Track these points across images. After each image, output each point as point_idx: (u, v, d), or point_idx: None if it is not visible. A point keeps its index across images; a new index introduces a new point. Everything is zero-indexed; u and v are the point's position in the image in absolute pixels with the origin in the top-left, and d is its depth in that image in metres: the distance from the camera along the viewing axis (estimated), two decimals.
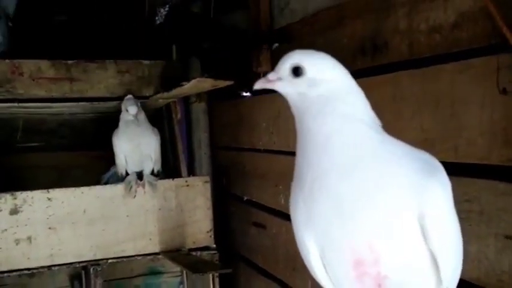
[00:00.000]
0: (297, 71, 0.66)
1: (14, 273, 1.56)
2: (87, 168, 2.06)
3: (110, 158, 1.89)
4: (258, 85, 0.69)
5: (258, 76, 1.77)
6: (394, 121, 1.08)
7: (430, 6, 0.97)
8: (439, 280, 0.64)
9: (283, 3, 1.67)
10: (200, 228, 1.73)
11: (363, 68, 1.19)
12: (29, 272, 1.57)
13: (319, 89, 0.65)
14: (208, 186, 1.75)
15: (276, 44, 1.69)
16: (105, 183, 1.81)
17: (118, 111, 1.70)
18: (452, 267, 0.65)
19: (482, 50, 0.86)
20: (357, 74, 1.22)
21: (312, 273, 0.70)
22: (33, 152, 2.03)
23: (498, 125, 0.83)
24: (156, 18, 1.52)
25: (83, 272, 1.83)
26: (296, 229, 0.68)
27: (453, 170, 0.91)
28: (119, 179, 1.76)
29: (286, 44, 1.65)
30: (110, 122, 1.90)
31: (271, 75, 0.68)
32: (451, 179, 0.87)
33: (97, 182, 1.85)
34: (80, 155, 2.09)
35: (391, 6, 1.07)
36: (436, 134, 0.96)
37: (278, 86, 0.67)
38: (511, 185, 0.82)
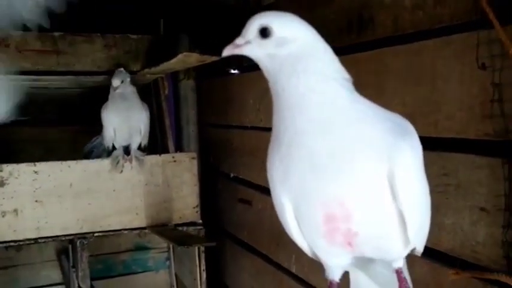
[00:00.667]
0: (264, 32, 0.66)
1: (0, 245, 1.57)
2: (74, 142, 2.06)
3: (96, 133, 1.90)
4: (226, 52, 0.68)
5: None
6: (377, 96, 1.10)
7: None
8: (407, 239, 0.66)
9: None
10: (186, 203, 1.74)
11: (349, 44, 1.20)
12: (16, 244, 1.58)
13: (289, 47, 0.65)
14: (195, 162, 1.76)
15: None
16: (88, 153, 1.81)
17: (105, 86, 1.69)
18: (419, 225, 0.67)
19: (463, 26, 0.88)
20: (344, 51, 1.23)
21: (287, 231, 0.72)
22: (20, 126, 2.02)
23: (476, 100, 0.85)
24: None
25: (70, 246, 1.85)
26: (273, 188, 0.69)
27: (433, 144, 0.93)
28: (104, 150, 1.77)
29: None
30: (96, 96, 1.90)
31: (238, 40, 0.67)
32: (431, 154, 0.89)
33: (83, 154, 1.86)
34: (66, 130, 2.09)
35: None
36: (417, 109, 0.98)
37: (247, 50, 0.67)
38: (487, 158, 0.84)
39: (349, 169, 0.62)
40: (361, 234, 0.65)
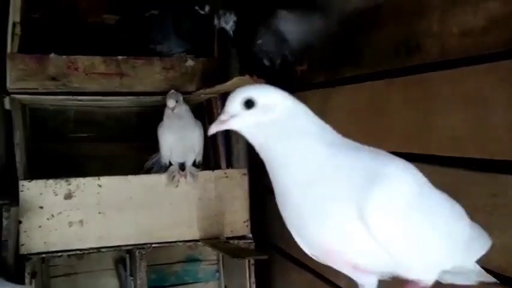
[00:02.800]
0: (249, 103, 0.72)
1: (66, 253, 1.69)
2: (131, 158, 2.18)
3: (152, 149, 2.01)
4: (212, 130, 0.75)
5: (296, 74, 1.85)
6: (425, 120, 1.14)
7: (461, 10, 1.03)
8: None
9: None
10: (237, 218, 1.82)
11: (397, 68, 1.25)
12: (81, 252, 1.70)
13: (272, 112, 0.72)
14: (245, 178, 1.84)
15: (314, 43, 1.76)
16: (149, 169, 1.92)
17: (161, 105, 1.80)
18: (411, 258, 0.73)
19: (510, 52, 0.92)
20: (392, 74, 1.29)
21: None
22: (83, 142, 2.17)
23: None
24: (217, 21, 1.59)
25: (128, 255, 1.96)
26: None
27: (481, 166, 0.97)
28: (162, 167, 1.87)
29: (323, 43, 1.71)
30: (153, 115, 2.02)
31: (223, 116, 0.74)
32: (479, 175, 0.93)
33: (141, 170, 1.98)
34: (125, 146, 2.21)
35: (425, 9, 1.13)
36: (464, 132, 1.02)
37: (234, 124, 0.73)
38: None
39: (327, 222, 0.70)
40: (361, 263, 0.73)
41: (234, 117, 0.73)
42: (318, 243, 0.73)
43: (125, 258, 2.04)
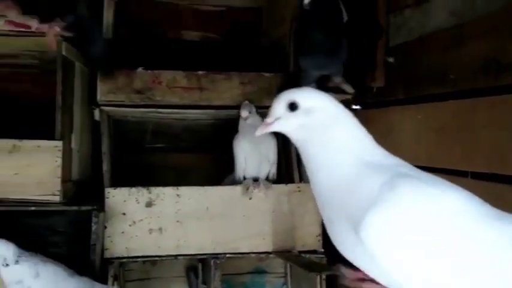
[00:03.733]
0: (292, 106, 0.76)
1: (145, 259, 1.77)
2: (205, 169, 2.25)
3: (225, 161, 2.07)
4: (259, 132, 0.80)
5: (371, 90, 1.85)
6: None
7: None
8: None
9: (401, 22, 1.73)
10: (310, 232, 1.83)
11: (485, 87, 1.23)
12: (159, 259, 1.77)
13: (315, 116, 0.75)
14: None
15: (392, 60, 1.76)
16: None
17: (237, 118, 1.86)
18: (416, 280, 0.68)
19: None
20: (478, 93, 1.26)
21: None
22: (160, 152, 2.26)
23: None
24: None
25: (200, 264, 2.02)
26: None
27: None
28: (238, 182, 1.92)
29: (402, 60, 1.71)
30: (228, 128, 2.08)
31: (268, 119, 0.78)
32: None
33: (214, 180, 2.03)
34: (199, 157, 2.28)
35: None
36: None
37: (278, 126, 0.78)
38: None
39: (341, 234, 0.73)
40: (379, 280, 0.73)
41: (279, 120, 0.77)
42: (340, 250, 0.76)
43: (196, 266, 2.09)
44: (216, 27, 2.28)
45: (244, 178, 1.86)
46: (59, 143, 1.57)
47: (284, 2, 2.01)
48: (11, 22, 1.55)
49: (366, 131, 0.79)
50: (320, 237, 1.82)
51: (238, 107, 1.83)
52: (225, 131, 2.15)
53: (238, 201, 1.80)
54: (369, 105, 1.87)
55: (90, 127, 1.90)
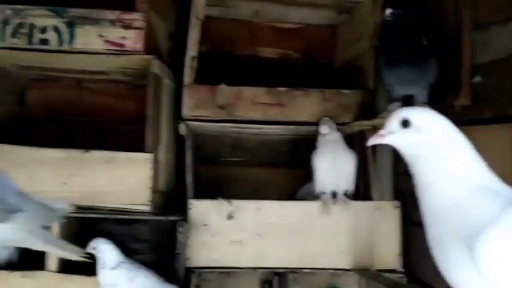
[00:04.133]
0: (405, 123, 0.80)
1: (225, 270, 1.81)
2: (281, 184, 2.28)
3: (300, 176, 2.09)
4: (371, 142, 0.86)
5: (452, 108, 1.82)
6: None
7: None
8: None
9: (487, 40, 1.69)
10: (389, 250, 1.81)
11: None
12: (239, 271, 1.81)
13: (427, 134, 0.79)
14: (398, 211, 1.83)
15: (478, 79, 1.72)
16: (301, 198, 2.00)
17: (315, 134, 1.88)
18: None
19: None
20: None
21: None
22: (235, 166, 2.31)
23: None
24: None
25: (276, 277, 2.03)
26: None
27: None
28: (314, 196, 1.93)
29: (489, 79, 1.67)
30: (304, 143, 2.10)
31: (382, 131, 0.84)
32: None
33: (289, 195, 2.06)
34: (274, 172, 2.32)
35: None
36: None
37: (390, 139, 0.83)
38: None
39: (450, 253, 0.75)
40: None
41: (391, 134, 0.82)
42: (442, 271, 0.77)
43: (270, 279, 2.11)
44: (293, 44, 2.32)
45: (323, 193, 1.87)
46: (150, 156, 1.65)
47: (363, 17, 2.02)
48: (108, 42, 1.65)
49: (478, 153, 0.80)
50: (400, 257, 1.80)
51: (317, 123, 1.86)
52: (301, 146, 2.18)
53: (316, 217, 1.82)
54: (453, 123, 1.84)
55: (174, 141, 1.98)
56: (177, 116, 1.90)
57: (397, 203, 1.85)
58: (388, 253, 1.81)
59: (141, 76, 1.97)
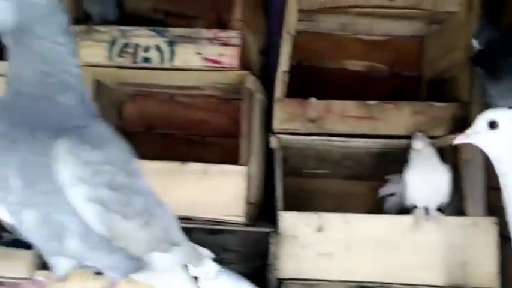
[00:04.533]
0: (493, 125, 0.85)
1: (315, 282, 1.81)
2: (365, 197, 2.27)
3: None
4: (458, 140, 0.94)
5: None
6: None
7: None
8: None
9: None
10: (485, 268, 1.75)
11: None
12: (327, 283, 1.81)
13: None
14: (496, 227, 1.76)
15: None
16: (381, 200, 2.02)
17: (404, 148, 1.85)
18: None
19: None
20: None
21: None
22: (319, 178, 2.33)
23: None
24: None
25: None
26: None
27: None
28: (401, 208, 1.91)
29: None
30: (390, 156, 2.08)
31: (468, 131, 0.89)
32: None
33: (374, 209, 2.05)
34: (359, 185, 2.31)
35: None
36: None
37: (476, 139, 0.87)
38: None
39: None
40: None
41: (477, 134, 0.87)
42: None
43: None
44: (379, 56, 2.31)
45: (415, 207, 1.85)
46: (244, 169, 1.71)
47: (456, 27, 1.97)
48: (206, 59, 1.73)
49: None
50: (498, 275, 1.73)
51: (408, 137, 1.84)
52: (387, 159, 2.16)
53: (407, 231, 1.79)
54: None
55: (264, 153, 2.03)
56: (266, 130, 1.95)
57: (495, 219, 1.78)
58: (484, 271, 1.75)
59: (231, 90, 2.05)
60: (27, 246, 1.90)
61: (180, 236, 1.13)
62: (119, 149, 0.97)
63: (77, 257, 0.95)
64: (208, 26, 1.93)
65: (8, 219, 0.94)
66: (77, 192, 0.85)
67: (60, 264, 0.96)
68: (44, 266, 1.77)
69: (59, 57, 0.88)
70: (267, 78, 2.08)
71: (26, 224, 0.89)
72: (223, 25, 2.18)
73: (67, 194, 0.85)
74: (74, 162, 0.84)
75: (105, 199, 0.88)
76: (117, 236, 0.92)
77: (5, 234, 2.13)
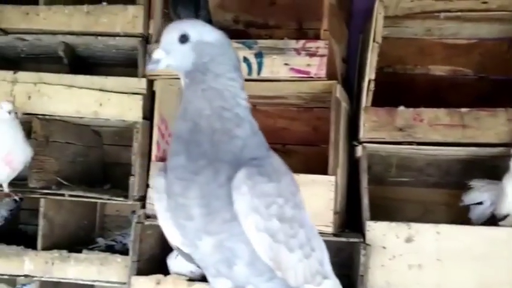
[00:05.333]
0: None
1: None
2: (449, 205, 2.20)
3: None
4: None
5: None
6: None
7: None
8: None
9: None
10: None
11: None
12: None
13: None
14: None
15: None
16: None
17: (499, 157, 1.78)
18: None
19: None
20: None
21: None
22: (402, 186, 2.28)
23: None
24: None
25: None
26: None
27: None
28: (490, 218, 1.84)
29: None
30: (478, 164, 2.00)
31: None
32: None
33: (460, 218, 1.97)
34: (443, 193, 2.24)
35: None
36: None
37: None
38: None
39: None
40: None
41: None
42: None
43: None
44: (464, 60, 2.23)
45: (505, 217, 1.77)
46: (332, 178, 1.70)
47: None
48: (293, 69, 1.75)
49: None
50: None
51: (503, 145, 1.76)
52: (473, 166, 2.08)
53: (504, 242, 1.71)
54: None
55: (348, 163, 2.02)
56: (349, 139, 1.93)
57: None
58: None
59: (313, 99, 2.05)
60: (121, 252, 2.00)
61: (330, 270, 1.12)
62: (289, 181, 1.00)
63: (240, 280, 0.99)
64: (289, 36, 1.94)
65: (177, 241, 1.03)
66: (251, 221, 0.90)
67: (220, 285, 1.01)
68: (139, 271, 1.86)
69: (233, 92, 0.94)
70: (347, 87, 2.07)
71: (203, 249, 0.95)
72: (304, 34, 2.20)
73: (241, 223, 0.90)
74: (252, 193, 0.89)
75: (275, 230, 0.92)
76: (280, 266, 0.96)
77: (100, 240, 2.25)
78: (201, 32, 0.94)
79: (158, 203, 1.01)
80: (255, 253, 0.93)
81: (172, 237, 1.03)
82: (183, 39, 0.93)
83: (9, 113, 1.81)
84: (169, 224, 1.00)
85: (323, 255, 1.10)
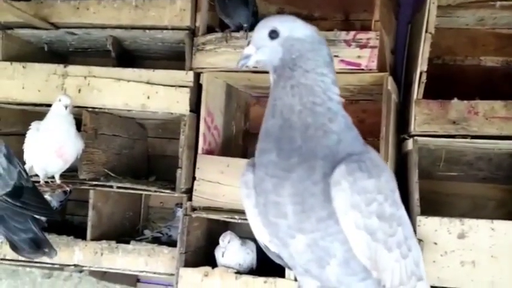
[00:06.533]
0: None
1: None
2: (500, 201, 2.14)
3: None
4: None
5: None
6: None
7: None
8: None
9: None
10: None
11: None
12: None
13: None
14: None
15: None
16: None
17: None
18: None
19: None
20: None
21: None
22: (451, 180, 2.22)
23: None
24: None
25: None
26: None
27: None
28: None
29: None
30: None
31: None
32: None
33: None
34: (494, 188, 2.17)
35: None
36: None
37: None
38: None
39: None
40: None
41: None
42: None
43: None
44: None
45: None
46: None
47: None
48: (343, 61, 1.71)
49: None
50: None
51: None
52: None
53: None
54: None
55: (397, 156, 1.98)
56: (398, 132, 1.89)
57: None
58: None
59: (360, 91, 2.01)
60: (168, 243, 2.02)
61: (424, 271, 1.09)
62: (389, 177, 0.97)
63: (331, 280, 0.96)
64: (334, 27, 1.91)
65: (265, 239, 1.01)
66: (350, 219, 0.88)
67: (307, 284, 1.00)
68: (187, 263, 1.87)
69: (323, 87, 0.92)
70: (395, 79, 2.02)
71: (294, 247, 0.93)
72: (351, 26, 2.16)
73: (339, 220, 0.88)
74: (352, 189, 0.87)
75: (374, 228, 0.90)
76: (377, 265, 0.93)
77: (146, 232, 2.28)
78: (291, 28, 0.94)
79: (247, 199, 0.99)
80: (350, 252, 0.91)
81: (260, 234, 1.01)
82: (274, 35, 0.93)
83: (66, 107, 1.83)
84: (258, 221, 0.99)
85: (419, 255, 1.07)
